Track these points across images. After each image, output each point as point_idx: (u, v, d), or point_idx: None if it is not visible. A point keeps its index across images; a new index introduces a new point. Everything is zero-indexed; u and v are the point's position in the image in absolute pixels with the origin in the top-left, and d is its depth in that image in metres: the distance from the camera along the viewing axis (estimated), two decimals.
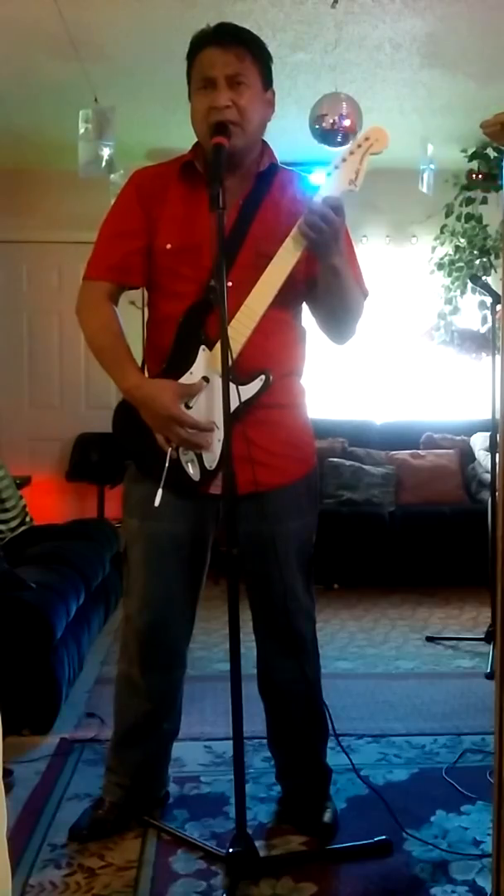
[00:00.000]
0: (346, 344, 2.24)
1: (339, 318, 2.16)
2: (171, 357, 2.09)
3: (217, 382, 1.97)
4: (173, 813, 2.35)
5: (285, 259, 1.99)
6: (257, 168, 2.13)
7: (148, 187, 2.15)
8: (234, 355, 1.96)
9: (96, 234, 2.20)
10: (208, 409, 2.04)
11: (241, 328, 1.99)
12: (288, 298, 2.09)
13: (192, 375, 2.05)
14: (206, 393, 2.04)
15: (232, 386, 1.96)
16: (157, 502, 2.02)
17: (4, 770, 1.22)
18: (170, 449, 2.04)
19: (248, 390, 2.04)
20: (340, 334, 2.21)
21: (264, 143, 2.16)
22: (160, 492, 2.02)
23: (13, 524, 4.02)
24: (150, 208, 2.12)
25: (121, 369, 2.09)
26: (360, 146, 2.00)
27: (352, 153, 2.00)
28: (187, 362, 2.06)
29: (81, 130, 4.17)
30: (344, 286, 2.07)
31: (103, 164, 4.21)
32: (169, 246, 2.10)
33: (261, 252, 2.04)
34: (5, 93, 4.61)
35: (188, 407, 2.04)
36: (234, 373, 1.97)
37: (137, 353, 2.20)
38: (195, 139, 2.13)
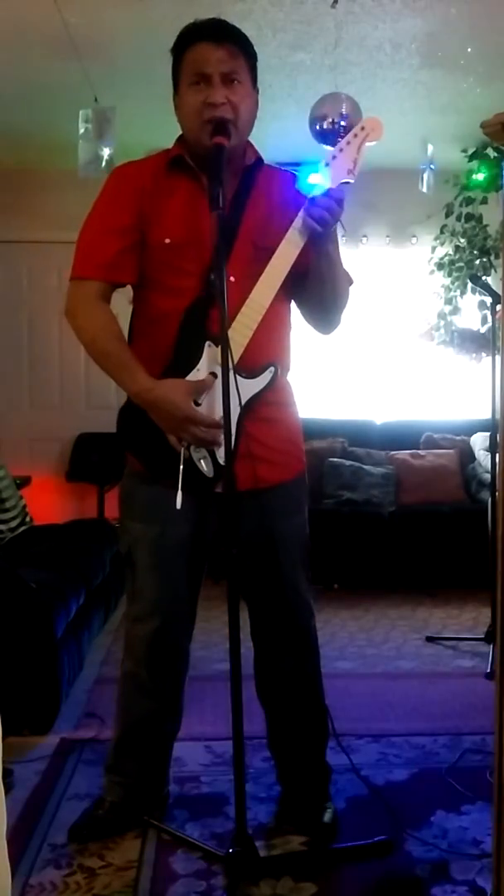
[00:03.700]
0: (331, 334, 2.26)
1: (328, 306, 2.17)
2: (175, 355, 2.06)
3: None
4: (173, 813, 2.35)
5: (288, 252, 2.01)
6: (243, 163, 2.14)
7: (137, 182, 2.12)
8: (242, 349, 1.98)
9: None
10: (217, 404, 2.01)
11: (247, 322, 1.99)
12: (283, 291, 2.09)
13: (199, 372, 2.04)
14: (214, 389, 2.01)
15: (242, 380, 1.98)
16: (178, 505, 1.98)
17: (4, 770, 1.22)
18: (182, 449, 2.03)
19: (258, 384, 2.04)
20: (328, 323, 2.23)
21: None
22: (180, 494, 1.99)
23: (13, 524, 4.02)
24: (141, 203, 2.09)
25: (129, 373, 2.05)
26: (356, 136, 2.03)
27: (348, 143, 2.03)
28: (193, 359, 2.05)
29: (81, 130, 4.17)
30: (337, 273, 2.10)
31: (103, 164, 4.21)
32: (168, 241, 2.08)
33: (258, 245, 2.05)
34: (5, 93, 4.61)
35: (197, 404, 2.03)
36: (243, 367, 1.99)
37: None
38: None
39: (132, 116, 4.56)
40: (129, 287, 2.18)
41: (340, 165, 2.01)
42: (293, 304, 2.24)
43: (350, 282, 2.20)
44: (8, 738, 2.72)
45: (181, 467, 2.01)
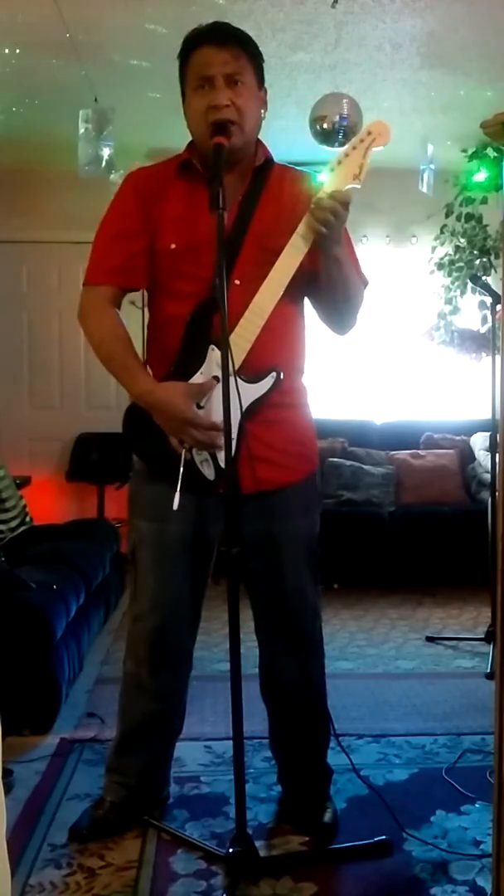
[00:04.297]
0: (348, 334, 2.25)
1: (341, 308, 2.16)
2: (179, 358, 2.08)
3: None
4: (173, 813, 2.35)
5: (293, 255, 2.00)
6: (253, 164, 2.14)
7: (146, 188, 2.15)
8: (245, 353, 1.98)
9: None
10: (219, 408, 2.02)
11: (250, 326, 1.99)
12: (294, 293, 2.09)
13: (203, 375, 2.05)
14: (217, 392, 2.02)
15: (244, 384, 1.97)
16: (175, 505, 2.00)
17: (4, 770, 1.23)
18: (184, 451, 2.04)
19: (260, 388, 2.04)
20: (343, 325, 2.22)
21: (257, 139, 2.16)
22: (178, 494, 2.01)
23: (13, 524, 4.02)
24: (149, 209, 2.12)
25: (131, 376, 2.08)
26: (362, 141, 2.00)
27: (354, 148, 2.00)
28: (197, 363, 2.06)
29: (81, 130, 4.18)
30: (346, 276, 2.08)
31: (103, 164, 4.22)
32: (174, 246, 2.09)
33: (265, 247, 2.04)
34: (5, 93, 4.61)
35: (200, 407, 2.03)
36: (245, 371, 1.99)
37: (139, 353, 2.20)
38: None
39: (132, 116, 4.56)
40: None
41: (346, 170, 1.98)
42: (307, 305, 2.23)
43: (365, 283, 2.19)
44: (8, 738, 2.73)
45: (181, 469, 2.02)
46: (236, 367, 1.94)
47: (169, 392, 2.03)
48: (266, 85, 2.12)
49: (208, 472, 2.06)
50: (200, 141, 2.06)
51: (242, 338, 1.98)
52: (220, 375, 1.99)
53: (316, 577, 2.26)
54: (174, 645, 2.23)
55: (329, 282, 2.09)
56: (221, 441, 2.00)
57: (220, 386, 1.99)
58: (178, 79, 2.10)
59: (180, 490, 2.02)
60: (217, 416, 2.01)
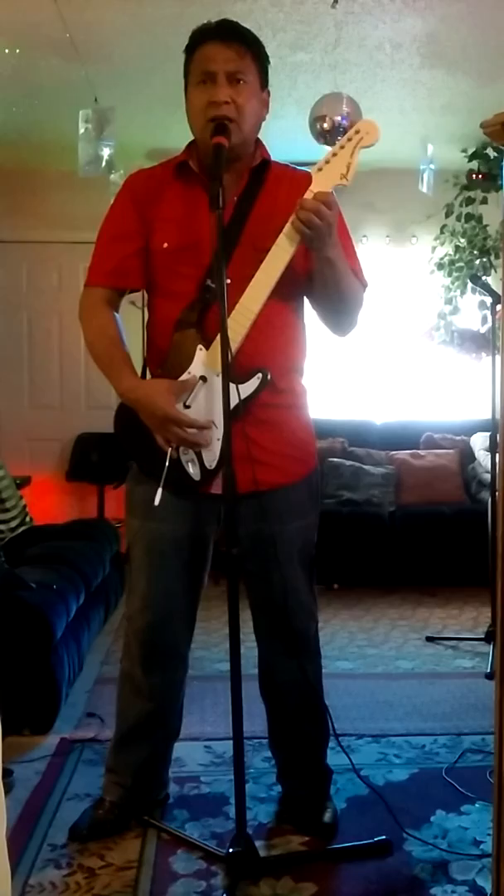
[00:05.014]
0: (347, 336, 2.24)
1: (337, 309, 2.16)
2: (169, 358, 2.09)
3: (215, 381, 1.97)
4: (173, 813, 2.35)
5: (279, 256, 1.99)
6: (251, 164, 2.14)
7: (142, 189, 2.16)
8: (231, 354, 1.96)
9: (96, 235, 2.20)
10: (207, 408, 2.03)
11: (236, 327, 1.98)
12: (288, 293, 2.09)
13: (191, 375, 2.05)
14: (205, 392, 2.03)
15: (231, 384, 1.97)
16: (156, 502, 2.02)
17: (4, 770, 1.23)
18: (170, 449, 2.05)
19: (246, 388, 2.03)
20: (341, 326, 2.21)
21: (257, 139, 2.16)
22: (160, 491, 2.03)
23: (13, 524, 4.02)
24: (144, 210, 2.13)
25: (116, 373, 2.10)
26: (350, 140, 1.98)
27: (342, 147, 1.98)
28: (185, 363, 2.06)
29: (81, 130, 4.18)
30: (340, 277, 2.07)
31: (103, 164, 4.22)
32: (166, 245, 2.10)
33: (258, 247, 2.03)
34: (5, 93, 4.61)
35: (187, 406, 2.03)
36: (232, 371, 1.97)
37: (138, 352, 2.20)
38: (192, 138, 2.13)
39: (132, 116, 4.56)
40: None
41: (333, 170, 1.97)
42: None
43: (364, 285, 2.18)
44: (8, 738, 2.73)
45: (167, 465, 2.03)
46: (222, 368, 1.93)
47: (151, 389, 2.05)
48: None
49: (194, 472, 2.06)
50: (199, 136, 2.07)
51: (229, 338, 1.97)
52: (207, 375, 2.01)
53: (312, 578, 2.25)
54: (167, 644, 2.23)
55: (322, 283, 2.08)
56: (205, 440, 2.01)
57: (206, 385, 2.01)
58: (178, 78, 2.10)
59: (162, 488, 2.02)
60: (203, 415, 2.02)
